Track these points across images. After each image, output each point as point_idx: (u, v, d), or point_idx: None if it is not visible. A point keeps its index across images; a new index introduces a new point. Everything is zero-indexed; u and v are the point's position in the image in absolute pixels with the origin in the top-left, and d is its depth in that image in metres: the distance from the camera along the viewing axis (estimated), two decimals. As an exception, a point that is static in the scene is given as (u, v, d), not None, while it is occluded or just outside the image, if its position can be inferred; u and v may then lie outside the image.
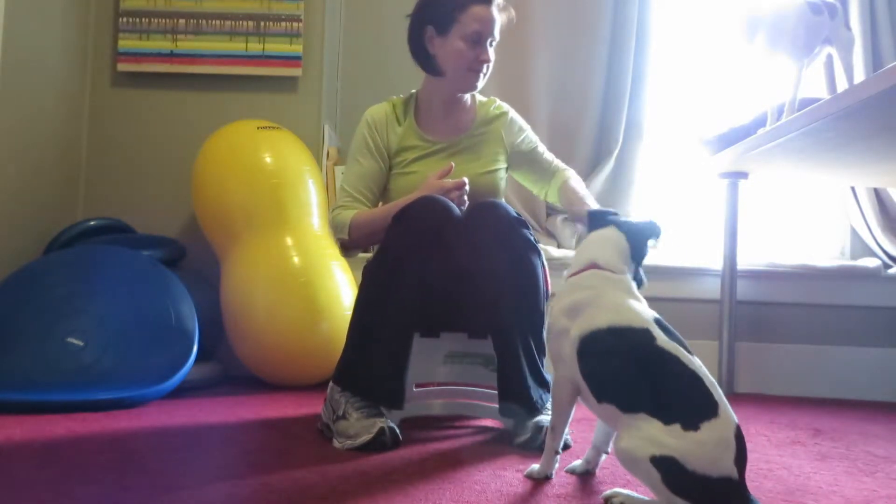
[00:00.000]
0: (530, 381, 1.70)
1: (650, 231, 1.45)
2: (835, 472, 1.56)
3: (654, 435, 1.18)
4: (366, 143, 1.97)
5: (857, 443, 1.90)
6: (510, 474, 1.43)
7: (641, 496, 1.25)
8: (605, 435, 1.45)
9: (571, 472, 1.47)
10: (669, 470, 1.15)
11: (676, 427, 1.17)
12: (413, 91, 2.06)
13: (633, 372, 1.26)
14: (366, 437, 1.61)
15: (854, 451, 1.79)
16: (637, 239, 1.42)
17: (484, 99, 2.08)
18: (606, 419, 1.35)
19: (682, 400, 1.21)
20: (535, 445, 1.63)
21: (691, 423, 1.17)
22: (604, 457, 1.47)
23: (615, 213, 1.49)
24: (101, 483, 1.32)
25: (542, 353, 1.77)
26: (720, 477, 1.15)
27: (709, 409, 1.19)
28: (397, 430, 1.65)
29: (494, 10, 1.89)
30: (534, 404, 1.69)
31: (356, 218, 1.90)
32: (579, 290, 1.38)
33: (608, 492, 1.29)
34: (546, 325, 1.48)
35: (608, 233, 1.43)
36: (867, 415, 2.39)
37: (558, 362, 1.40)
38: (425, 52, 1.95)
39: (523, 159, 2.06)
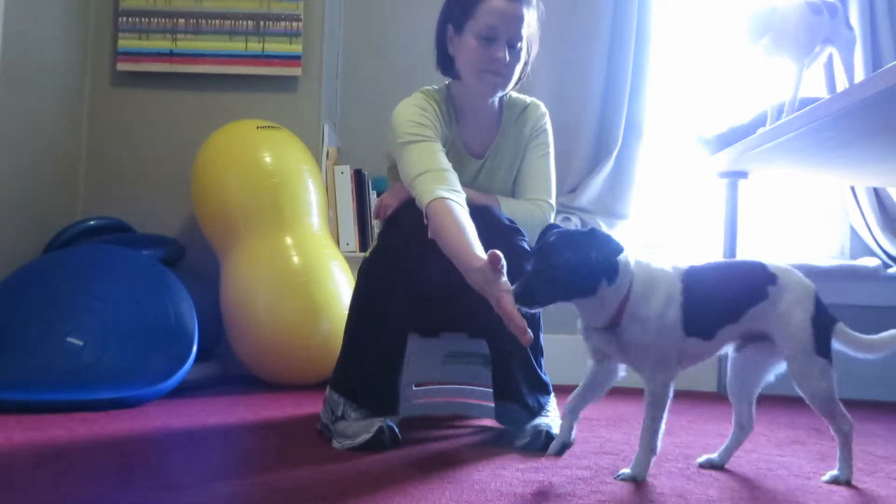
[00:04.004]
0: (523, 386, 1.71)
1: None
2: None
3: (801, 323, 1.41)
4: (422, 121, 1.72)
5: (857, 442, 1.89)
6: (510, 474, 1.43)
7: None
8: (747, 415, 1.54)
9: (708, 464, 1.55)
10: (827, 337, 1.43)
11: (771, 289, 1.42)
12: (446, 84, 1.87)
13: (719, 289, 1.43)
14: (365, 437, 1.60)
15: (853, 450, 1.79)
16: None
17: (517, 100, 1.91)
18: (715, 351, 1.47)
19: (752, 275, 1.46)
20: (535, 449, 1.63)
21: (771, 278, 1.44)
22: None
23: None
24: (100, 483, 1.32)
25: (538, 355, 1.76)
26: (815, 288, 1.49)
27: (763, 265, 1.46)
28: (396, 430, 1.65)
29: (517, 6, 1.71)
30: (528, 407, 1.69)
31: (442, 207, 1.58)
32: (653, 288, 1.39)
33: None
34: (646, 340, 1.38)
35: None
36: (867, 415, 2.39)
37: (661, 363, 1.39)
38: (446, 55, 1.80)
39: (523, 163, 1.91)
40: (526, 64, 1.83)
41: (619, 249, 1.35)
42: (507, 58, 1.72)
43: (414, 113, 1.75)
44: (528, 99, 1.94)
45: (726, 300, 1.42)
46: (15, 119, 2.54)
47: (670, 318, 1.38)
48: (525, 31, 1.75)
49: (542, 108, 1.94)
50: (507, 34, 1.72)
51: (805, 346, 1.41)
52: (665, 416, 1.40)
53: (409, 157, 1.69)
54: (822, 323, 1.43)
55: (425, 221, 1.63)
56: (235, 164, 2.57)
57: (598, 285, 1.36)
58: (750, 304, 1.41)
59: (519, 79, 1.84)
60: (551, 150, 1.93)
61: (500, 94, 1.82)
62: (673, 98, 3.09)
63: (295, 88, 2.91)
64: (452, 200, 1.61)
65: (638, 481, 1.38)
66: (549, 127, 1.94)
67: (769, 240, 3.05)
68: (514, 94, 1.93)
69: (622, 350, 1.42)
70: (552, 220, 1.87)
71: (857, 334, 1.46)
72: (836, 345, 1.44)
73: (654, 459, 1.41)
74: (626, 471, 1.40)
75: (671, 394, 1.41)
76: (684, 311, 1.38)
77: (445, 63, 1.83)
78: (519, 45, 1.75)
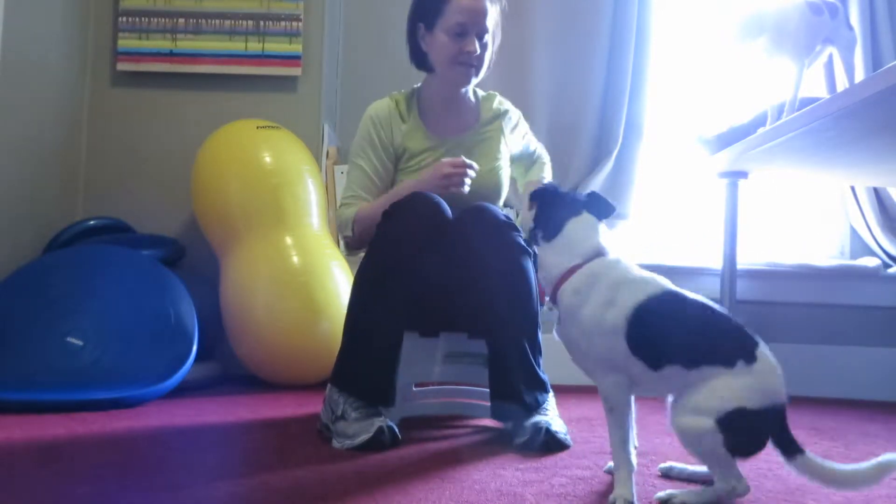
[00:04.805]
0: (521, 384, 1.71)
1: (611, 214, 1.45)
2: (834, 472, 1.56)
3: (715, 392, 1.21)
4: (370, 140, 1.95)
5: (857, 442, 1.90)
6: (509, 474, 1.43)
7: (697, 490, 1.27)
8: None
9: (609, 472, 1.44)
10: (737, 422, 1.19)
11: (741, 365, 1.23)
12: (415, 87, 2.04)
13: (684, 328, 1.28)
14: (364, 437, 1.61)
15: (853, 450, 1.80)
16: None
17: (484, 94, 2.08)
18: (663, 388, 1.32)
19: (732, 339, 1.27)
20: (534, 446, 1.64)
21: (750, 357, 1.24)
22: (634, 451, 1.40)
23: (556, 186, 1.49)
24: (101, 483, 1.32)
25: (537, 353, 1.77)
26: (780, 405, 1.22)
27: (753, 340, 1.27)
28: (396, 430, 1.65)
29: (482, 2, 1.86)
30: (526, 405, 1.70)
31: (359, 212, 1.89)
32: (602, 279, 1.33)
33: (663, 494, 1.27)
34: (581, 334, 1.33)
35: (589, 219, 1.40)
36: (866, 414, 2.40)
37: (605, 366, 1.32)
38: (420, 51, 1.95)
39: (522, 156, 2.09)
40: (491, 52, 1.98)
41: (540, 197, 1.41)
42: (478, 50, 1.88)
43: (367, 133, 1.95)
44: (495, 95, 2.09)
45: (690, 341, 1.27)
46: (15, 119, 2.54)
47: (608, 323, 1.29)
48: (490, 24, 1.89)
49: (509, 104, 2.09)
50: (475, 29, 1.87)
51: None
52: (630, 425, 1.32)
53: (348, 177, 1.98)
54: (788, 445, 1.21)
55: (350, 232, 1.89)
56: (235, 164, 2.57)
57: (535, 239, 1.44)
58: (711, 362, 1.24)
59: (487, 67, 1.98)
60: (528, 128, 2.13)
61: (473, 81, 1.95)
62: (673, 98, 3.09)
63: (295, 88, 2.91)
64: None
65: (630, 502, 1.24)
66: (519, 115, 2.10)
67: (769, 240, 3.05)
68: (479, 90, 2.08)
69: (565, 339, 1.37)
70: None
71: (825, 464, 1.20)
72: (800, 475, 1.21)
73: (634, 475, 1.29)
74: (612, 497, 1.26)
75: (627, 400, 1.31)
76: (630, 326, 1.28)
77: (419, 58, 1.97)
78: (486, 37, 1.89)
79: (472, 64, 1.89)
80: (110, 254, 2.39)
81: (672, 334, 1.29)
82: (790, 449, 1.21)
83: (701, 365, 1.24)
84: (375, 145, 1.94)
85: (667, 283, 1.35)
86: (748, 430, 1.21)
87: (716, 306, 1.31)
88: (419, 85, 2.04)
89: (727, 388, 1.21)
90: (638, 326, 1.29)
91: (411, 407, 1.93)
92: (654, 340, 1.29)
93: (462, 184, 1.78)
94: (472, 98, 2.04)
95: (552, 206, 1.42)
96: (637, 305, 1.30)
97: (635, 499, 1.25)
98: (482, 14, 1.86)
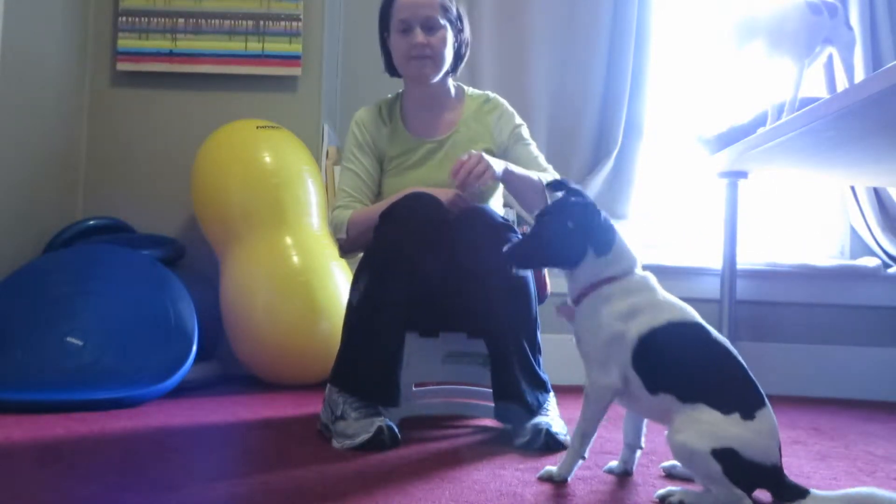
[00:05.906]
0: (524, 384, 1.71)
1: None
2: (834, 472, 1.56)
3: (714, 426, 1.21)
4: (358, 142, 1.98)
5: (857, 442, 1.90)
6: (509, 474, 1.43)
7: (697, 491, 1.27)
8: (635, 431, 1.45)
9: (609, 472, 1.46)
10: (730, 461, 1.18)
11: (736, 416, 1.21)
12: (399, 91, 2.07)
13: (694, 363, 1.29)
14: (364, 437, 1.61)
15: (853, 450, 1.80)
16: None
17: (476, 93, 2.05)
18: (656, 412, 1.35)
19: (738, 390, 1.26)
20: (535, 447, 1.64)
21: (748, 413, 1.22)
22: (639, 453, 1.47)
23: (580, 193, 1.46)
24: (101, 483, 1.32)
25: (536, 353, 1.77)
26: (772, 465, 1.21)
27: (759, 399, 1.25)
28: (396, 430, 1.65)
29: None
30: (528, 406, 1.70)
31: (353, 216, 1.90)
32: (633, 295, 1.36)
33: (662, 491, 1.29)
34: (593, 331, 1.37)
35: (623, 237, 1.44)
36: (866, 414, 2.40)
37: (602, 367, 1.35)
38: (390, 58, 1.99)
39: (512, 157, 1.96)
40: (461, 45, 1.98)
41: (598, 223, 1.36)
42: (427, 41, 1.87)
43: (354, 137, 1.99)
44: (489, 94, 2.06)
45: (692, 375, 1.28)
46: (15, 119, 2.54)
47: (619, 332, 1.33)
48: (441, 15, 1.89)
49: (505, 102, 2.04)
50: (419, 21, 1.87)
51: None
52: (598, 423, 1.37)
53: (340, 181, 2.00)
54: (789, 494, 1.20)
55: (345, 234, 1.89)
56: (235, 164, 2.57)
57: (580, 257, 1.37)
58: (708, 402, 1.24)
59: (457, 59, 1.98)
60: (529, 135, 2.02)
61: (434, 75, 1.92)
62: (673, 98, 3.09)
63: (295, 88, 2.91)
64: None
65: (555, 481, 1.37)
66: (516, 116, 2.02)
67: (769, 240, 3.05)
68: (473, 90, 2.07)
69: (576, 333, 1.41)
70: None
71: (833, 495, 1.20)
72: None
73: (580, 463, 1.39)
74: (551, 468, 1.39)
75: (606, 403, 1.36)
76: (640, 344, 1.31)
77: (390, 66, 2.00)
78: (439, 28, 1.89)
79: (425, 56, 1.88)
80: (110, 254, 2.39)
81: (677, 364, 1.30)
82: (793, 496, 1.20)
83: (697, 402, 1.24)
84: (363, 148, 1.98)
85: (691, 313, 1.36)
86: (741, 472, 1.19)
87: (737, 355, 1.31)
88: (401, 90, 2.06)
89: (722, 428, 1.21)
90: (648, 348, 1.32)
91: (411, 407, 1.93)
92: (658, 366, 1.31)
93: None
94: (455, 97, 2.02)
95: (603, 226, 1.39)
96: (655, 328, 1.32)
97: (570, 478, 1.38)
98: (422, 6, 1.87)
